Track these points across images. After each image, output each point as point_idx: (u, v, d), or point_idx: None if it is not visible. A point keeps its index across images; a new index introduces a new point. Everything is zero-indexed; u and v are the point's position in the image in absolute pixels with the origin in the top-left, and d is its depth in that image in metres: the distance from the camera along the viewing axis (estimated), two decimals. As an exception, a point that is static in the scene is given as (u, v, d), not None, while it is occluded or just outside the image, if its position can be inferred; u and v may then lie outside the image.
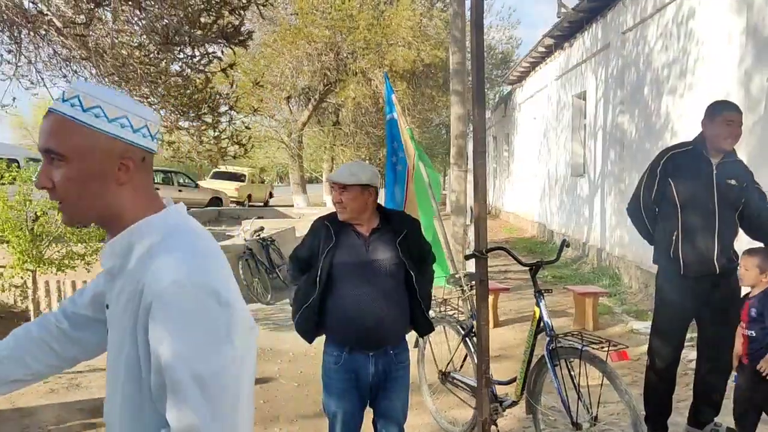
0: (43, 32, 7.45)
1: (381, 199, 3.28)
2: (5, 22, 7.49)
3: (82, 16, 6.37)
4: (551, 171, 15.37)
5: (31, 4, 7.18)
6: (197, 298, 1.19)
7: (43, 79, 7.90)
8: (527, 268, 3.76)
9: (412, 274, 2.97)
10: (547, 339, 3.53)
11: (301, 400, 5.10)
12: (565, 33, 13.27)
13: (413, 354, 3.93)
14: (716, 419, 4.07)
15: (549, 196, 15.55)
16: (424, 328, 3.22)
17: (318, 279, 2.94)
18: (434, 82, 19.27)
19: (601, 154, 11.53)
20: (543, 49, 15.12)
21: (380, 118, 19.06)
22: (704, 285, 3.81)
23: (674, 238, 3.81)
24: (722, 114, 3.72)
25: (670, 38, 8.53)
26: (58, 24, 6.61)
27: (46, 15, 6.85)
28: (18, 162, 10.83)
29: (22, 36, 7.77)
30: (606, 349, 3.18)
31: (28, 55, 7.96)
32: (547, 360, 3.49)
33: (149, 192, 1.37)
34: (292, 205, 21.56)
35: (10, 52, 7.91)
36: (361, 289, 2.91)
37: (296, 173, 21.77)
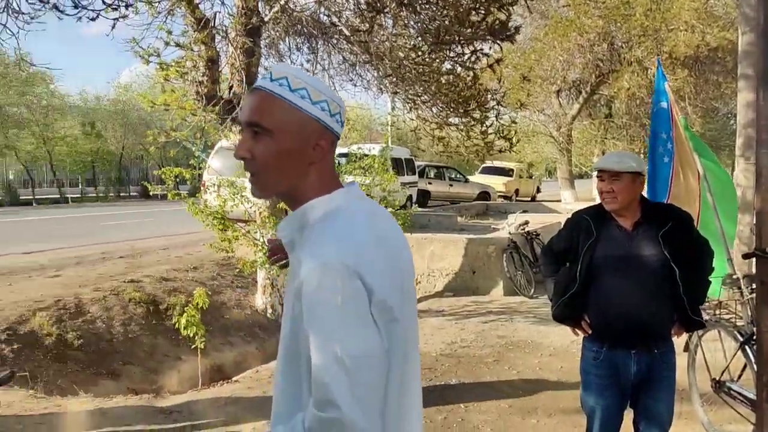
0: (335, 41, 8.42)
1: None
2: (306, 35, 8.63)
3: (365, 24, 7.04)
4: None
5: (325, 17, 8.15)
6: (337, 281, 1.21)
7: (334, 84, 8.92)
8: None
9: (676, 269, 2.79)
10: None
11: (560, 395, 5.03)
12: None
13: (683, 358, 3.68)
14: None
15: None
16: (691, 326, 3.01)
17: (578, 273, 2.89)
18: (721, 67, 17.31)
19: None
20: None
21: (657, 109, 17.70)
22: None
23: None
24: None
25: None
26: (347, 33, 7.40)
27: (337, 26, 7.71)
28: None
29: (318, 46, 8.88)
30: None
31: (322, 63, 9.06)
32: None
33: (330, 174, 1.42)
34: (560, 200, 21.14)
35: (308, 61, 9.09)
36: (622, 285, 2.81)
37: (564, 168, 21.30)
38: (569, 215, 3.29)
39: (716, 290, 4.17)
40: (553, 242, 3.17)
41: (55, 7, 4.57)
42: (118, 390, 5.59)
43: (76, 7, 4.61)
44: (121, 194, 38.71)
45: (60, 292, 7.19)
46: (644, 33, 16.41)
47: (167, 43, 6.04)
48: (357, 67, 8.98)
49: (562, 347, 6.21)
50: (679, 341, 2.99)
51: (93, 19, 4.74)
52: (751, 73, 7.04)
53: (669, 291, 2.83)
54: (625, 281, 2.81)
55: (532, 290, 9.03)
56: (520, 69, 16.89)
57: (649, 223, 2.85)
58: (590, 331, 2.95)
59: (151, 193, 8.47)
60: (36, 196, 32.96)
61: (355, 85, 9.29)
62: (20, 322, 6.05)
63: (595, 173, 3.09)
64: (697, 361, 4.31)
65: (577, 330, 3.03)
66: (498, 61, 7.25)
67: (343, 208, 1.36)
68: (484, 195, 23.85)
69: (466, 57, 7.36)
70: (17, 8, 4.48)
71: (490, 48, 7.48)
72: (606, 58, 17.79)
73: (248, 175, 1.40)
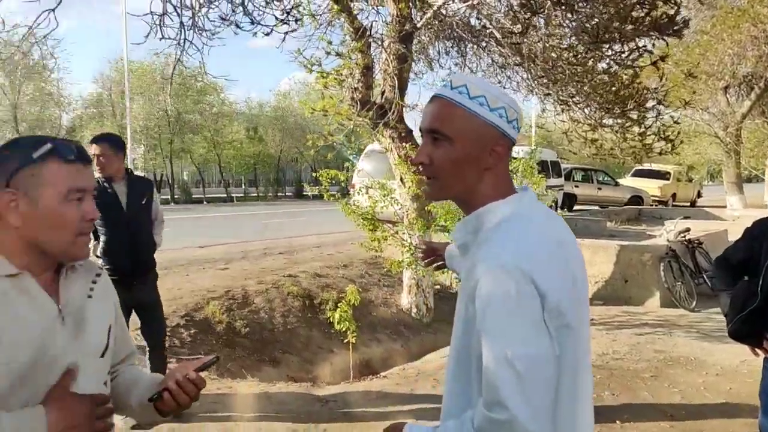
0: (484, 44, 8.43)
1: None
2: (455, 39, 8.71)
3: (518, 26, 6.98)
4: None
5: (476, 21, 8.18)
6: (512, 284, 1.23)
7: (482, 87, 8.96)
8: None
9: None
10: None
11: (730, 418, 4.63)
12: None
13: None
14: None
15: None
16: None
17: (759, 288, 2.69)
18: None
19: None
20: None
21: None
22: None
23: None
24: None
25: None
26: (498, 35, 7.38)
27: (488, 29, 7.71)
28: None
29: (467, 49, 8.92)
30: None
31: (470, 66, 9.10)
32: None
33: (505, 178, 1.44)
34: (725, 206, 19.60)
35: (456, 65, 9.17)
36: None
37: (731, 171, 19.71)
38: (734, 222, 3.06)
39: None
40: (728, 253, 2.97)
41: (235, 24, 5.01)
42: (278, 377, 5.98)
43: (252, 23, 5.02)
44: (278, 194, 41.25)
45: (229, 283, 7.82)
46: (833, 19, 14.79)
47: (328, 53, 6.36)
48: (506, 69, 8.92)
49: (731, 367, 5.73)
50: None
51: (267, 34, 5.15)
52: None
53: None
54: None
55: (694, 303, 8.46)
56: (683, 65, 15.84)
57: None
58: None
59: (308, 194, 8.98)
60: (206, 195, 36.19)
61: (504, 87, 9.23)
62: (196, 309, 6.67)
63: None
64: None
65: (757, 350, 2.81)
66: (663, 57, 6.86)
67: (519, 213, 1.38)
68: (636, 199, 22.54)
69: (625, 55, 7.06)
70: (201, 26, 4.97)
71: (653, 44, 7.11)
72: (785, 49, 16.24)
73: (425, 178, 1.45)
